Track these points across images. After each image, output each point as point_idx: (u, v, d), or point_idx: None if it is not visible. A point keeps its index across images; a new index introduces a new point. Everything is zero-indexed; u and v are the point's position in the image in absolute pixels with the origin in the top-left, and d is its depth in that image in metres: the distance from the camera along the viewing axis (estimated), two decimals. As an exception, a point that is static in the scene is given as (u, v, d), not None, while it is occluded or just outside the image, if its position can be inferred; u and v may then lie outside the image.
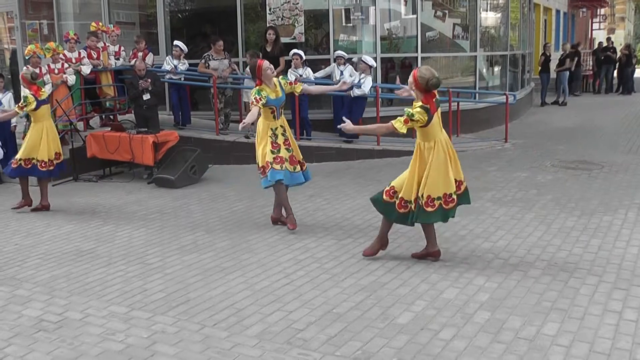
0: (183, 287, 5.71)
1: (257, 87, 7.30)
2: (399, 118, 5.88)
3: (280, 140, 7.42)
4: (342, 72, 11.93)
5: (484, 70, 15.87)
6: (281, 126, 7.45)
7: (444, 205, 5.94)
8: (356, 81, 11.75)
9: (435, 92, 5.98)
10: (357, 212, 8.08)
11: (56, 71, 11.18)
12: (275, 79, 7.53)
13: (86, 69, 11.67)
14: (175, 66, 12.00)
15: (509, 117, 13.44)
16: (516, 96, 15.35)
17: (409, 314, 4.98)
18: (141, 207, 8.74)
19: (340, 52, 12.11)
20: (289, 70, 11.82)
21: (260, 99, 7.15)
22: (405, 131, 5.91)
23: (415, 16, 13.82)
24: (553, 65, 21.11)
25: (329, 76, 12.18)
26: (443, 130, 6.09)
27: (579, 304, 5.05)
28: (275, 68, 11.81)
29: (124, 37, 13.23)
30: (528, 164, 10.75)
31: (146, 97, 10.80)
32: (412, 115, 5.79)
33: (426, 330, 4.67)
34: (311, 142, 11.78)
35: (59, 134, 11.10)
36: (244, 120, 7.32)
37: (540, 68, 20.86)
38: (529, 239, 6.77)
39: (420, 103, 5.85)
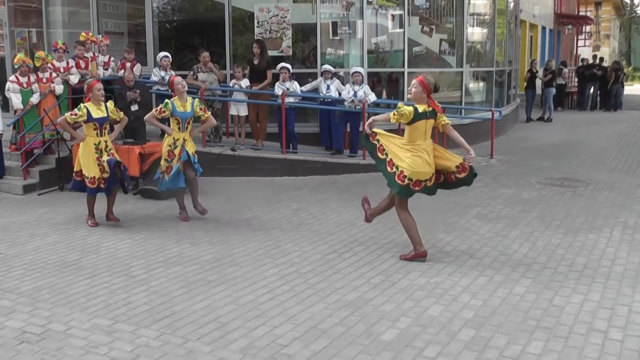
0: (167, 300, 5.69)
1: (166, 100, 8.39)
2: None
3: (177, 151, 8.36)
4: (328, 86, 11.96)
5: (470, 86, 15.96)
6: (184, 139, 8.39)
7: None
8: (350, 94, 11.78)
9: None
10: (343, 226, 8.07)
11: (44, 80, 11.14)
12: (189, 98, 8.53)
13: (74, 79, 11.67)
14: (163, 77, 11.98)
15: (494, 133, 13.51)
16: (502, 112, 15.45)
17: (393, 330, 4.98)
18: (126, 219, 8.68)
19: (327, 67, 12.15)
20: (277, 83, 11.84)
21: (164, 110, 8.27)
22: (394, 121, 6.56)
23: (402, 31, 13.90)
24: (538, 82, 21.27)
25: (315, 90, 12.22)
26: (429, 141, 6.56)
27: (564, 322, 5.07)
28: (262, 81, 11.90)
29: (113, 46, 13.20)
30: (514, 181, 10.80)
31: (134, 108, 10.75)
32: (399, 109, 6.40)
33: (410, 348, 4.67)
34: (297, 156, 11.79)
35: (45, 143, 11.14)
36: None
37: (526, 84, 20.99)
38: (515, 256, 6.79)
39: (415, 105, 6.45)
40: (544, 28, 29.83)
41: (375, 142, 6.74)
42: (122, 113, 8.70)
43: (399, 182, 6.44)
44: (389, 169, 6.56)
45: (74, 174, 8.39)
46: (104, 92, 8.35)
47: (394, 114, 6.42)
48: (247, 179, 11.26)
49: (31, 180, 10.85)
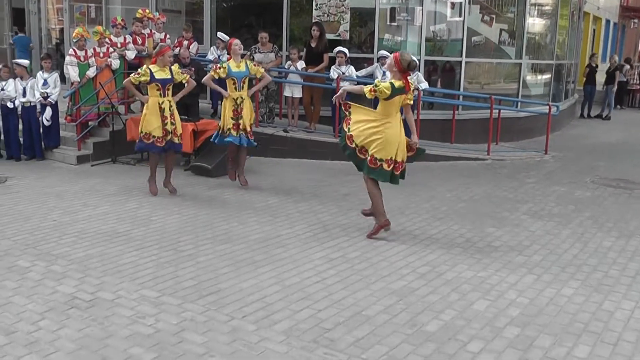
0: (214, 276, 5.75)
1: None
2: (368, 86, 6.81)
3: (241, 108, 8.93)
4: (384, 72, 11.85)
5: (528, 78, 15.66)
6: (242, 97, 8.90)
7: (385, 167, 6.90)
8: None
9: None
10: (392, 214, 7.91)
11: (101, 55, 11.32)
12: (242, 59, 9.04)
13: (130, 54, 11.83)
14: (219, 56, 12.06)
15: (550, 128, 13.26)
16: (559, 107, 15.13)
17: (437, 322, 4.95)
18: (176, 194, 8.79)
19: (383, 52, 12.01)
20: (332, 67, 11.79)
21: (220, 68, 8.74)
22: (370, 97, 6.81)
23: (461, 19, 13.70)
24: (599, 77, 20.65)
25: (370, 75, 12.14)
26: (399, 114, 6.94)
27: (613, 328, 4.94)
28: (318, 64, 11.87)
29: (170, 24, 13.32)
30: (567, 179, 10.60)
31: (188, 85, 10.84)
32: (377, 87, 6.66)
33: (454, 341, 4.63)
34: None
35: (100, 116, 11.31)
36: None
37: (585, 79, 20.40)
38: (564, 256, 6.65)
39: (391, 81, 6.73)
40: (607, 21, 29.12)
41: (347, 113, 7.07)
42: (187, 76, 9.02)
43: (372, 166, 6.91)
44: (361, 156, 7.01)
45: (141, 136, 8.65)
46: (173, 60, 8.90)
47: (371, 90, 6.70)
48: (298, 161, 11.30)
49: (85, 152, 11.08)
